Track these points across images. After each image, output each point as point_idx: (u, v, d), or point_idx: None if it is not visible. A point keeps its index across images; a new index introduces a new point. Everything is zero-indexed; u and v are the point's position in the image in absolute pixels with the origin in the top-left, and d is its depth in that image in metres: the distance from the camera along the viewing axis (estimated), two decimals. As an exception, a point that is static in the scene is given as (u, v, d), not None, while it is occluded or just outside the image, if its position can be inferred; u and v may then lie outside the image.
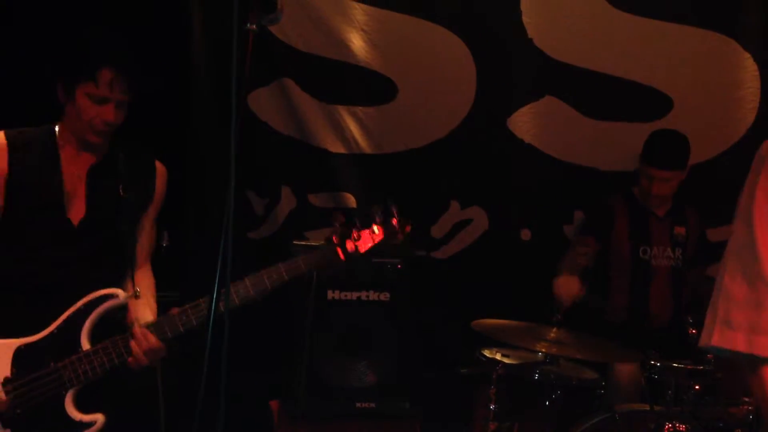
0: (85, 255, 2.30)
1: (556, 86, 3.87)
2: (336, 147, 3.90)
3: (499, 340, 3.04)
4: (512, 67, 3.87)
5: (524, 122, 3.90)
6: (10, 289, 2.26)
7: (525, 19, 3.79)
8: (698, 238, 3.58)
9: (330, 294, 3.18)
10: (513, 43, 3.83)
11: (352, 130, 3.89)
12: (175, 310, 2.21)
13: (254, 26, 1.54)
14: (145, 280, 2.46)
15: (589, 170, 3.93)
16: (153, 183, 2.49)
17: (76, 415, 2.14)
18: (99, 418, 2.16)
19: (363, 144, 3.91)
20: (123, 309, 2.29)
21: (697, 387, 2.72)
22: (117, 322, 2.28)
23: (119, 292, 2.23)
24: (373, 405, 3.20)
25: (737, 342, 1.57)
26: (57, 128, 2.39)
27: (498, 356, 3.12)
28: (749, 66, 3.81)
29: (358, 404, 3.19)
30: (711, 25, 3.80)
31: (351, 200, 3.93)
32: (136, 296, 2.27)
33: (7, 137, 2.33)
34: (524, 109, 3.89)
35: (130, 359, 2.19)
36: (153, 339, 2.17)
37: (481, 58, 3.84)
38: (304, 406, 3.15)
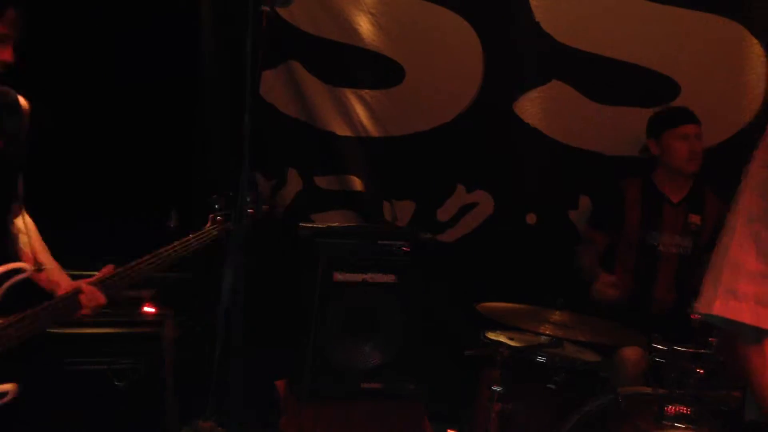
0: None
1: (563, 70, 3.86)
2: (342, 130, 3.91)
3: (503, 323, 3.07)
4: (519, 51, 3.87)
5: (531, 106, 3.91)
6: None
7: (533, 2, 3.78)
8: (715, 223, 3.55)
9: (336, 276, 3.20)
10: (520, 26, 3.82)
11: (359, 113, 3.89)
12: (110, 268, 2.33)
13: (267, 8, 1.55)
14: (35, 234, 2.41)
15: (596, 155, 3.94)
16: (22, 125, 2.33)
17: None
18: (11, 387, 2.17)
19: (369, 127, 3.91)
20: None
21: (700, 370, 2.73)
22: (17, 293, 2.23)
23: (25, 266, 2.21)
24: (378, 386, 3.23)
25: (742, 313, 1.55)
26: None
27: (502, 339, 3.14)
28: (757, 51, 3.79)
29: (363, 385, 3.22)
30: (720, 11, 3.78)
31: (357, 183, 3.94)
32: (39, 270, 2.28)
33: None
34: (531, 94, 3.89)
35: (79, 313, 2.28)
36: (102, 297, 2.29)
37: (488, 42, 3.84)
38: (310, 386, 3.17)
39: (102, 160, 3.55)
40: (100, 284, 2.32)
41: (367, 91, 3.88)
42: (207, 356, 1.75)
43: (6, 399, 2.16)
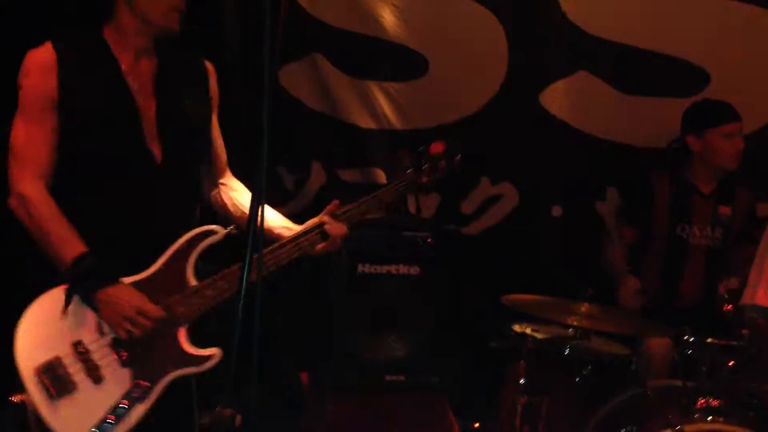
0: (170, 189, 2.14)
1: (590, 61, 3.81)
2: (366, 122, 3.90)
3: (529, 314, 3.04)
4: (545, 42, 3.82)
5: (556, 98, 3.86)
6: (86, 235, 2.02)
7: (559, -8, 3.74)
8: (746, 216, 3.52)
9: (360, 267, 3.20)
10: (546, 17, 3.77)
11: (383, 105, 3.88)
12: (335, 203, 2.28)
13: (286, -5, 1.55)
14: (244, 191, 2.36)
15: (623, 146, 3.88)
16: (208, 88, 2.27)
17: (193, 350, 2.06)
18: (216, 351, 2.06)
19: (393, 120, 3.90)
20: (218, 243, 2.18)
21: (731, 363, 2.69)
22: (212, 256, 2.18)
23: (218, 228, 2.15)
24: (402, 378, 3.22)
25: None
26: (105, 33, 2.05)
27: (528, 331, 3.11)
28: (789, 40, 3.73)
29: (387, 377, 3.22)
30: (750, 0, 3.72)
31: (381, 176, 3.94)
32: (232, 232, 2.18)
33: (56, 48, 1.97)
34: (557, 85, 3.85)
35: (323, 246, 2.22)
36: (344, 227, 2.24)
37: (513, 33, 3.80)
38: (334, 378, 3.18)
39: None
40: (339, 215, 2.26)
41: (390, 83, 3.87)
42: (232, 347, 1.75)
43: (214, 361, 2.07)
